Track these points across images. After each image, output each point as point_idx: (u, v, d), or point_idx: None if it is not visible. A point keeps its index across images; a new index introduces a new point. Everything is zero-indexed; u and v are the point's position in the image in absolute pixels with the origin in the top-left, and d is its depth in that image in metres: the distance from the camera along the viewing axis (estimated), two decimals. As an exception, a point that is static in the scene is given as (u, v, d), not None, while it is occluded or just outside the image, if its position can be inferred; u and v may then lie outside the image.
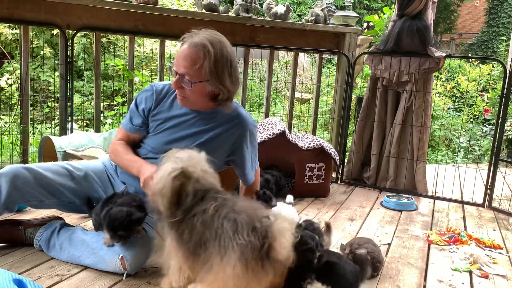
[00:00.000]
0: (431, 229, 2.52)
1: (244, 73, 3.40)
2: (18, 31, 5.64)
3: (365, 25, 4.96)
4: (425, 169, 3.23)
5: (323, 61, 5.30)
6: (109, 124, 5.17)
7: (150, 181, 1.57)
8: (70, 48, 2.91)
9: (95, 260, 1.72)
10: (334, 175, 3.42)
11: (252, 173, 2.05)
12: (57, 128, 4.97)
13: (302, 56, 6.83)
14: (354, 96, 4.29)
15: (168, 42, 4.12)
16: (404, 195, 3.03)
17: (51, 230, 1.85)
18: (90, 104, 5.50)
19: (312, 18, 3.37)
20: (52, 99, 5.85)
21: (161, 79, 3.25)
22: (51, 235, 1.84)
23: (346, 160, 3.46)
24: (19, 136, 3.38)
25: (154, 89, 1.91)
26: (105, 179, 1.98)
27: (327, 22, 3.42)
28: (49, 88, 5.95)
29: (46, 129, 5.07)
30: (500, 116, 2.91)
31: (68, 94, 3.03)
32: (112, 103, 5.71)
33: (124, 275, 1.67)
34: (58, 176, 1.84)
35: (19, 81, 2.97)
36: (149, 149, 1.89)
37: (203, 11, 3.12)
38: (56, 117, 5.35)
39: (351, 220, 2.59)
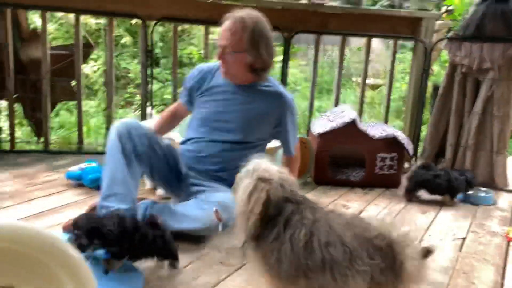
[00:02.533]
0: (510, 226, 2.39)
1: (315, 60, 3.40)
2: (101, 21, 6.07)
3: (444, 9, 4.71)
4: (506, 162, 3.04)
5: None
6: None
7: None
8: (150, 38, 3.08)
9: (188, 221, 1.82)
10: (406, 165, 3.33)
11: (294, 145, 2.18)
12: (136, 112, 5.31)
13: (375, 41, 6.63)
14: (430, 84, 4.11)
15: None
16: (481, 188, 2.89)
17: (144, 207, 1.95)
18: (166, 90, 5.78)
19: (387, 2, 3.27)
20: (131, 85, 6.21)
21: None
22: (145, 211, 1.94)
23: (419, 151, 3.35)
24: (103, 120, 3.68)
25: (200, 69, 2.16)
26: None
27: (403, 6, 3.30)
28: (129, 75, 6.31)
29: (126, 113, 5.40)
30: None
31: (148, 81, 3.20)
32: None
33: (220, 227, 1.79)
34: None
35: (104, 69, 3.20)
36: (197, 123, 2.10)
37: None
38: (135, 102, 5.69)
39: (424, 212, 2.53)
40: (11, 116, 3.04)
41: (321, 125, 2.86)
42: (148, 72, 3.15)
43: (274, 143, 2.34)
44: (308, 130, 3.19)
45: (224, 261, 1.78)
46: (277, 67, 3.24)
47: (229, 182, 2.04)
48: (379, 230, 1.16)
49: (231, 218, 1.85)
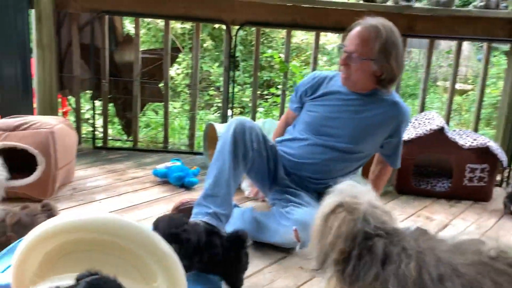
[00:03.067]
0: None
1: (400, 65, 3.26)
2: (186, 26, 6.34)
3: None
4: None
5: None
6: (260, 112, 5.47)
7: None
8: (233, 42, 3.16)
9: (269, 233, 1.84)
10: (498, 177, 3.08)
11: (399, 161, 2.15)
12: (215, 114, 5.48)
13: (464, 44, 6.23)
14: (527, 90, 3.77)
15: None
16: None
17: (239, 215, 1.99)
18: (244, 93, 5.90)
19: (482, 3, 3.06)
20: (212, 88, 6.43)
21: (313, 70, 3.32)
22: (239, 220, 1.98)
23: (514, 162, 3.09)
24: (186, 121, 3.83)
25: (315, 75, 2.12)
26: None
27: (499, 7, 3.07)
28: (209, 77, 6.53)
29: (205, 115, 5.60)
30: None
31: (229, 85, 3.28)
32: (263, 93, 6.02)
33: (298, 247, 1.78)
34: None
35: (187, 71, 3.34)
36: (303, 126, 2.06)
37: (361, 1, 3.08)
38: (215, 104, 5.88)
39: (519, 229, 2.33)
40: (104, 115, 3.28)
41: (406, 132, 2.74)
42: (230, 75, 3.22)
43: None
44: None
45: (304, 266, 1.77)
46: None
47: (325, 192, 2.05)
48: (497, 251, 0.99)
49: (310, 238, 1.83)
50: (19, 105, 2.62)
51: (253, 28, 3.43)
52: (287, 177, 2.05)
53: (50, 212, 1.71)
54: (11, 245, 1.57)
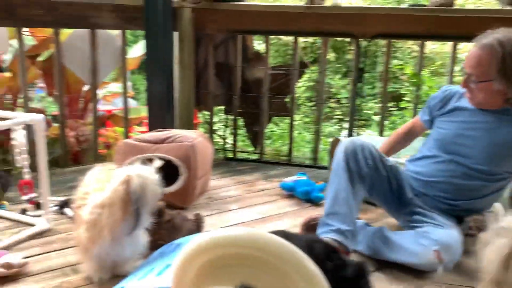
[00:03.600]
0: None
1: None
2: (308, 39, 6.42)
3: None
4: None
5: None
6: (384, 126, 5.26)
7: None
8: (362, 56, 3.11)
9: (405, 254, 1.76)
10: None
11: None
12: (335, 126, 5.43)
13: None
14: None
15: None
16: None
17: (366, 234, 1.93)
18: (366, 105, 5.75)
19: None
20: (332, 100, 6.39)
21: (450, 83, 3.10)
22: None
23: None
24: (307, 134, 3.87)
25: (445, 89, 2.06)
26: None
27: None
28: (330, 89, 6.50)
29: (325, 127, 5.57)
30: None
31: (355, 99, 3.22)
32: (387, 105, 5.79)
33: (440, 268, 1.68)
34: None
35: (308, 85, 3.37)
36: (433, 144, 1.99)
37: (508, 7, 2.80)
38: (335, 117, 5.82)
39: None
40: (235, 128, 3.46)
41: None
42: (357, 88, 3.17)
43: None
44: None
45: (446, 295, 1.65)
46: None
47: (457, 214, 1.91)
48: None
49: (452, 260, 1.73)
50: (164, 120, 2.89)
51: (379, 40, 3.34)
52: (417, 197, 1.97)
53: (198, 223, 1.85)
54: (160, 250, 1.73)
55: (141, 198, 1.55)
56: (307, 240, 1.51)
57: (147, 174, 1.61)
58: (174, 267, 1.15)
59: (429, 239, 1.73)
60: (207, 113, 3.55)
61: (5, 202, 2.30)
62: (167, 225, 1.85)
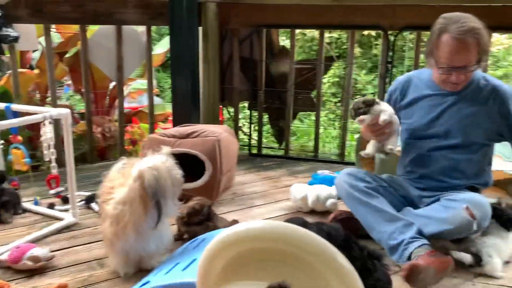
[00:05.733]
0: None
1: None
2: (333, 34, 6.32)
3: None
4: None
5: None
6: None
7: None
8: (391, 49, 3.02)
9: (436, 225, 1.73)
10: None
11: None
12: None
13: None
14: None
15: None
16: None
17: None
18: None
19: None
20: (358, 95, 6.28)
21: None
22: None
23: None
24: (332, 129, 3.78)
25: (400, 81, 2.04)
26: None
27: None
28: (356, 85, 6.39)
29: (352, 123, 5.46)
30: None
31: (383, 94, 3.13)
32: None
33: (474, 225, 1.64)
34: None
35: (333, 80, 3.29)
36: (407, 136, 1.99)
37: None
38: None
39: None
40: (260, 124, 3.42)
41: None
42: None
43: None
44: None
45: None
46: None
47: (465, 187, 1.88)
48: None
49: (485, 217, 1.69)
50: (189, 115, 2.88)
51: (406, 33, 3.24)
52: (424, 192, 1.94)
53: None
54: (185, 245, 1.71)
55: (158, 190, 1.52)
56: (327, 228, 1.47)
57: (160, 164, 1.56)
58: (200, 260, 1.12)
59: (456, 201, 1.72)
60: (231, 109, 3.52)
61: (37, 197, 2.33)
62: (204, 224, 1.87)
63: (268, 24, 3.17)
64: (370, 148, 1.97)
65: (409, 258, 1.65)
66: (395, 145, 1.94)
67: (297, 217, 1.79)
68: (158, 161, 1.57)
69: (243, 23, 3.21)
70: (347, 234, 1.47)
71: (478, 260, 1.68)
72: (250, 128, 3.49)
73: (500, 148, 2.19)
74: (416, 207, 1.92)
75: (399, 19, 2.93)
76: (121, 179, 1.69)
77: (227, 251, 1.08)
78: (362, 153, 1.99)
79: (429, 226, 1.73)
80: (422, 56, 4.88)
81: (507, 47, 6.24)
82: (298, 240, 1.00)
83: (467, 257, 1.69)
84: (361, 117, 1.83)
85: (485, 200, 1.74)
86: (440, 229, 1.70)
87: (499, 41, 6.15)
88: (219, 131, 2.42)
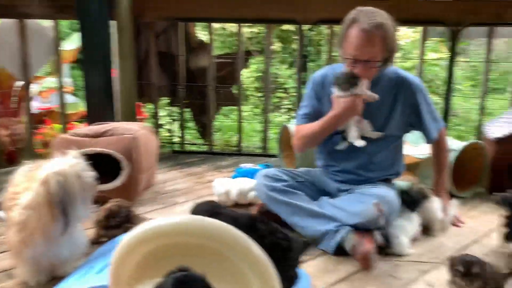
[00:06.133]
0: None
1: (488, 55, 3.04)
2: (254, 29, 6.38)
3: None
4: None
5: None
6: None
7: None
8: (306, 44, 3.11)
9: (348, 218, 1.80)
10: None
11: (435, 130, 1.99)
12: (284, 116, 5.44)
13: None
14: None
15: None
16: None
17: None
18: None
19: None
20: (280, 90, 6.40)
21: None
22: None
23: None
24: (256, 123, 3.84)
25: (314, 80, 2.02)
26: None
27: None
28: (277, 79, 6.51)
29: (275, 117, 5.57)
30: None
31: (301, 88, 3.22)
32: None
33: (381, 220, 1.74)
34: None
35: (255, 75, 3.34)
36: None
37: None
38: (283, 106, 5.83)
39: None
40: (181, 120, 3.36)
41: (498, 129, 2.52)
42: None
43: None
44: (480, 133, 2.85)
45: (393, 274, 1.67)
46: (443, 65, 2.97)
47: (378, 179, 1.99)
48: None
49: (392, 211, 1.81)
50: (104, 114, 2.74)
51: (322, 27, 3.35)
52: (342, 185, 2.03)
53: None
54: (101, 248, 1.64)
55: (64, 197, 1.42)
56: (232, 215, 1.50)
57: (67, 168, 1.47)
58: (112, 259, 1.07)
59: (367, 195, 1.83)
60: (152, 106, 3.42)
61: None
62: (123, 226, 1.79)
63: (184, 17, 3.12)
64: (354, 135, 1.90)
65: (337, 246, 1.75)
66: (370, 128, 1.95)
67: (206, 202, 1.75)
68: (65, 165, 1.48)
69: (158, 16, 3.12)
70: (251, 216, 1.49)
71: (387, 240, 1.79)
72: (171, 124, 3.42)
73: (407, 135, 2.34)
74: (333, 196, 2.01)
75: (312, 13, 3.01)
76: (26, 183, 1.56)
77: (137, 250, 1.04)
78: (357, 143, 1.89)
79: (344, 218, 1.81)
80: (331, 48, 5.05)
81: (414, 40, 6.70)
82: (211, 233, 0.99)
83: (378, 238, 1.79)
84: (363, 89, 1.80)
85: (393, 196, 1.85)
86: (353, 221, 1.78)
87: (407, 35, 6.59)
88: (136, 128, 2.34)
